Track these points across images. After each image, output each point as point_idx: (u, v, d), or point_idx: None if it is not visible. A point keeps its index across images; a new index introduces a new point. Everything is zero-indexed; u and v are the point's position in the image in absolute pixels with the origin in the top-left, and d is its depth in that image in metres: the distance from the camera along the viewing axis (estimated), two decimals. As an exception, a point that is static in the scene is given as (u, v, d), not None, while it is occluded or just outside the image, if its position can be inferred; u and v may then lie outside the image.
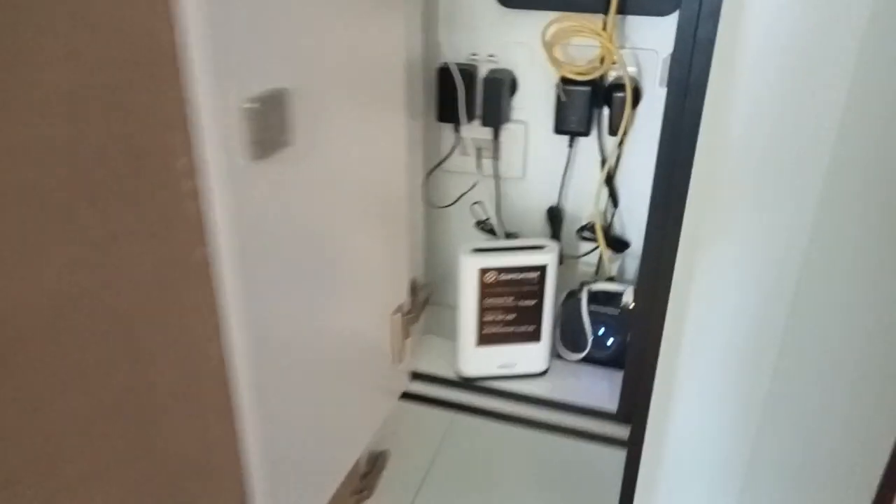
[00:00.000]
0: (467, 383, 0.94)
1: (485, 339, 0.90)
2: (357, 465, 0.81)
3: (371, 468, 0.85)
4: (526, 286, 0.87)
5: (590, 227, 0.95)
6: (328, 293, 0.67)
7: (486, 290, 0.87)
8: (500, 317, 0.89)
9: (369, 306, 0.79)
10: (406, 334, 0.88)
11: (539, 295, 0.88)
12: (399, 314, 0.85)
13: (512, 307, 0.88)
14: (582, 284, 0.98)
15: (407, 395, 0.95)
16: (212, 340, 0.49)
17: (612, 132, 0.89)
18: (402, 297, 0.87)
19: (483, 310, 0.88)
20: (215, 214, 0.46)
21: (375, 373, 0.84)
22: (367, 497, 0.82)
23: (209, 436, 0.51)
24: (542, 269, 0.86)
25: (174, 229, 0.43)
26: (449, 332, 0.96)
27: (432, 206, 1.02)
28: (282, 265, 0.57)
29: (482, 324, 0.89)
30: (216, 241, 0.47)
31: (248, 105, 0.48)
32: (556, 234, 0.98)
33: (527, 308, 0.88)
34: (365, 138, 0.70)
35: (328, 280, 0.66)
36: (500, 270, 0.86)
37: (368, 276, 0.77)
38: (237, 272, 0.50)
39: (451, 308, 0.92)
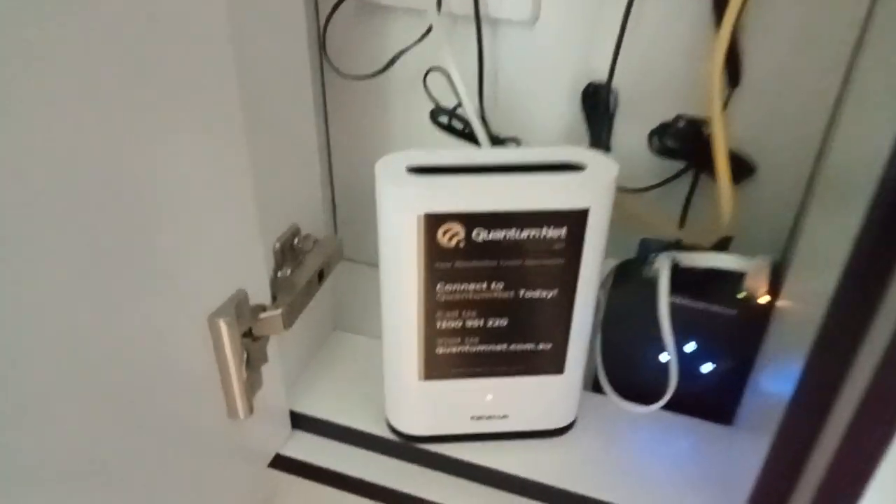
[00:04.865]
0: (408, 446, 0.45)
1: (438, 365, 0.41)
2: None
3: None
4: (535, 258, 0.37)
5: (681, 126, 0.44)
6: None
7: (442, 266, 0.37)
8: (474, 323, 0.39)
9: (175, 309, 0.31)
10: (260, 357, 0.39)
11: (566, 278, 0.38)
12: (230, 317, 0.35)
13: (501, 303, 0.38)
14: (646, 248, 0.48)
15: (284, 464, 0.47)
16: None
17: None
18: (250, 275, 0.37)
19: (435, 309, 0.38)
20: None
21: (196, 433, 0.36)
22: None
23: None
24: (575, 220, 0.36)
25: None
26: (377, 328, 0.46)
27: (342, 77, 0.50)
28: None
29: (433, 336, 0.39)
30: None
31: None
32: (598, 137, 0.48)
33: (535, 305, 0.39)
34: None
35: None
36: (474, 222, 0.36)
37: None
38: None
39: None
